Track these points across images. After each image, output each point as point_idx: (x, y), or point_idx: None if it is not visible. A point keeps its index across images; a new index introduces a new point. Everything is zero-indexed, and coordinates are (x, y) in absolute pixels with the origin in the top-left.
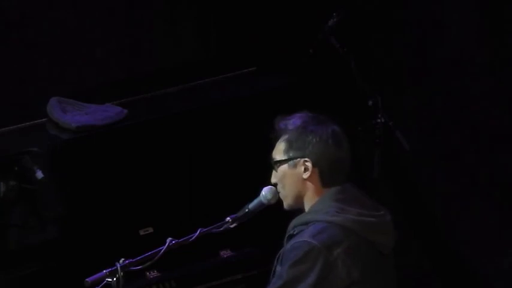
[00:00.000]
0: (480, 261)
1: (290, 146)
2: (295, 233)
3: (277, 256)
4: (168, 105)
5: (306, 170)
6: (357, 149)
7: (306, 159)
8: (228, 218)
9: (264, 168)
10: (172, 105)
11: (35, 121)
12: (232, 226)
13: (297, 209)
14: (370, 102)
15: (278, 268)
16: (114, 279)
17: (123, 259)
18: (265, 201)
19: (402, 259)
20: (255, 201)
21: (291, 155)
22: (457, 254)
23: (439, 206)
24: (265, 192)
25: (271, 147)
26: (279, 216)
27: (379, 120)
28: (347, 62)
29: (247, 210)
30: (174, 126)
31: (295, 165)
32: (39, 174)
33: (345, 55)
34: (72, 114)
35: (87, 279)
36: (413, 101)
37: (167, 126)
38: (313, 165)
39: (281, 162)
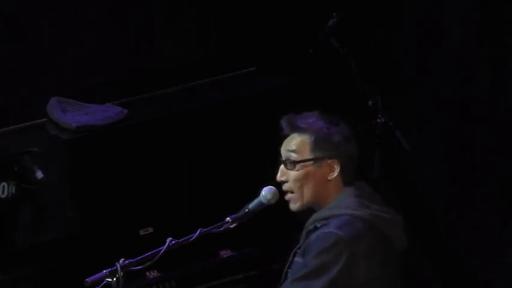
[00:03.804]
0: (480, 261)
1: (317, 146)
2: (318, 226)
3: (293, 251)
4: (168, 105)
5: (332, 170)
6: None
7: (334, 160)
8: (228, 218)
9: (264, 168)
10: (172, 105)
11: (35, 121)
12: (232, 226)
13: (302, 210)
14: (370, 102)
15: (298, 259)
16: (114, 279)
17: (123, 259)
18: (265, 201)
19: (402, 259)
20: (255, 201)
21: (318, 155)
22: (457, 254)
23: (439, 206)
24: (265, 192)
25: (272, 147)
26: (279, 216)
27: (379, 120)
28: (347, 62)
29: (247, 210)
30: (174, 126)
31: (320, 166)
32: (39, 174)
33: (345, 55)
34: (72, 114)
35: (87, 279)
36: (413, 101)
37: (167, 126)
38: (339, 166)
39: (305, 161)
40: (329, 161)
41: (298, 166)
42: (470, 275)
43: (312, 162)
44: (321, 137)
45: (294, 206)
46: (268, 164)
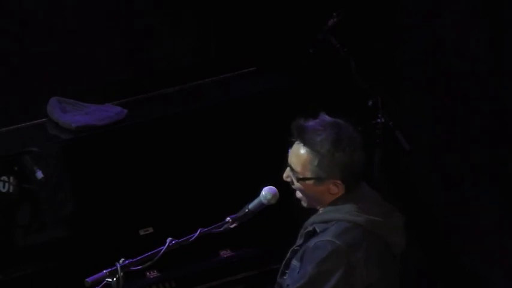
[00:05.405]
0: (480, 261)
1: (320, 169)
2: (318, 231)
3: (291, 249)
4: (168, 105)
5: (335, 186)
6: None
7: (337, 181)
8: (228, 218)
9: (264, 168)
10: (172, 105)
11: (35, 121)
12: (232, 226)
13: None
14: (370, 102)
15: (294, 262)
16: (114, 279)
17: (123, 259)
18: (265, 201)
19: (402, 259)
20: (255, 201)
21: (319, 175)
22: (457, 254)
23: (439, 206)
24: (265, 192)
25: (272, 147)
26: (279, 216)
27: (379, 120)
28: (347, 62)
29: (247, 210)
30: (174, 126)
31: (322, 183)
32: (39, 174)
33: (345, 55)
34: (72, 114)
35: (87, 279)
36: (413, 101)
37: (167, 126)
38: (342, 183)
39: (306, 179)
40: (331, 180)
41: (300, 181)
42: (470, 275)
43: (313, 181)
44: (325, 160)
45: (303, 204)
46: (268, 164)
